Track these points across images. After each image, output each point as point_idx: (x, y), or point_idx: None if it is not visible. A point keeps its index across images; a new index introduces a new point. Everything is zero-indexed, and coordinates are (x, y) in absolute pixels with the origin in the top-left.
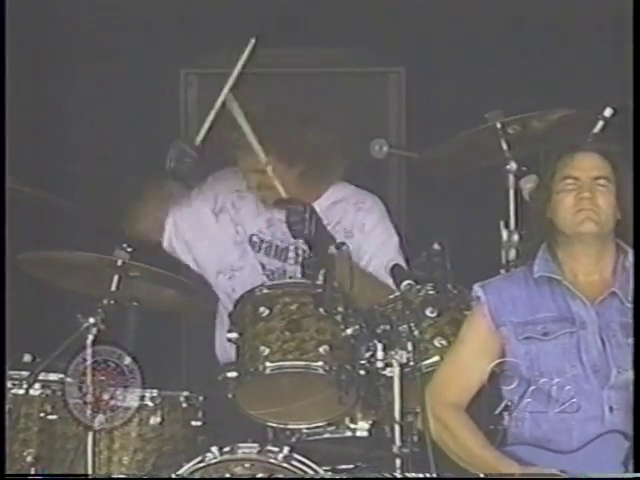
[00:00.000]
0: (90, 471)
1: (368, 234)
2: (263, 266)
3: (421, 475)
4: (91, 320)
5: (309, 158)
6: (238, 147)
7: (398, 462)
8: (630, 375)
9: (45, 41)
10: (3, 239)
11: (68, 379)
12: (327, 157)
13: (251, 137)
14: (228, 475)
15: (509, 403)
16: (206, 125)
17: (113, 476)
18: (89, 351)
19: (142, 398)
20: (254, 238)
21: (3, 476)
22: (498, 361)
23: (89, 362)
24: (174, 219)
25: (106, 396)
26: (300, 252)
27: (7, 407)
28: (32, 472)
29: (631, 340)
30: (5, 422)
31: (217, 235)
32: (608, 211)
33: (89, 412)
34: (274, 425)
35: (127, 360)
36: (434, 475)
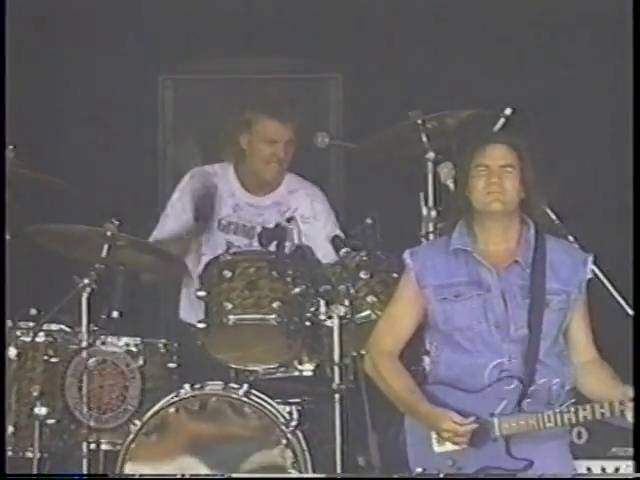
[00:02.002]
0: (85, 407)
1: (319, 221)
2: (230, 244)
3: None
4: (85, 281)
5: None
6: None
7: (337, 396)
8: (525, 331)
9: (40, 41)
10: (3, 216)
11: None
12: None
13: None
14: (197, 407)
15: (429, 348)
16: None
17: (114, 476)
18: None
19: (127, 345)
20: (222, 222)
21: (3, 476)
22: None
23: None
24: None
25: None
26: None
27: (17, 352)
28: (37, 405)
29: (528, 301)
30: (5, 423)
31: (190, 232)
32: (513, 192)
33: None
34: (235, 367)
35: (128, 360)
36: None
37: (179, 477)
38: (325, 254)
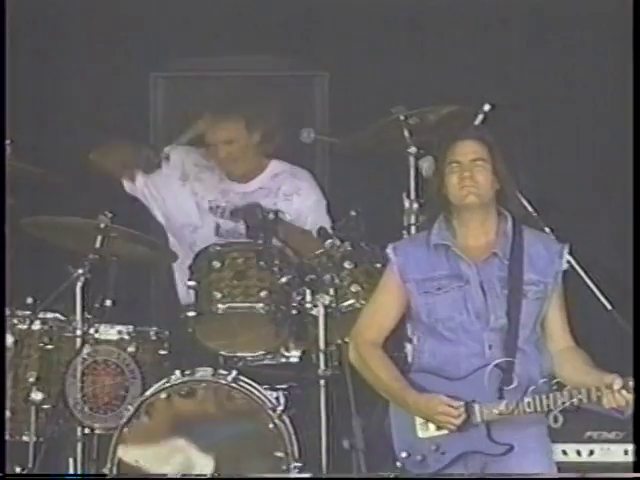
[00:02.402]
0: (79, 393)
1: (303, 196)
2: (219, 226)
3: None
4: (80, 271)
5: (262, 140)
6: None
7: (322, 382)
8: (505, 321)
9: (39, 41)
10: (3, 207)
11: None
12: (271, 140)
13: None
14: (187, 393)
15: (411, 336)
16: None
17: (114, 476)
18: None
19: (120, 332)
20: (212, 204)
21: (3, 476)
22: None
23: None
24: (144, 179)
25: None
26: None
27: (13, 339)
28: (33, 390)
29: (507, 291)
30: (5, 423)
31: (182, 197)
32: (486, 185)
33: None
34: (224, 354)
35: (127, 360)
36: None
37: (178, 477)
38: (310, 225)
